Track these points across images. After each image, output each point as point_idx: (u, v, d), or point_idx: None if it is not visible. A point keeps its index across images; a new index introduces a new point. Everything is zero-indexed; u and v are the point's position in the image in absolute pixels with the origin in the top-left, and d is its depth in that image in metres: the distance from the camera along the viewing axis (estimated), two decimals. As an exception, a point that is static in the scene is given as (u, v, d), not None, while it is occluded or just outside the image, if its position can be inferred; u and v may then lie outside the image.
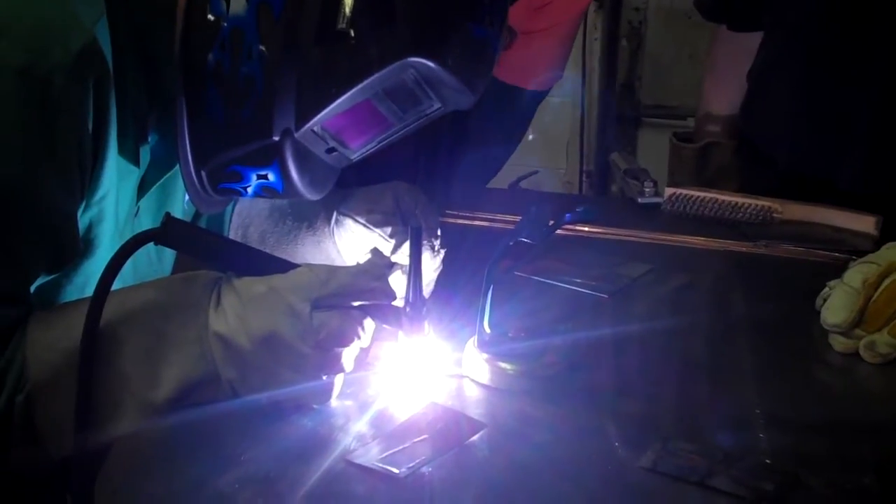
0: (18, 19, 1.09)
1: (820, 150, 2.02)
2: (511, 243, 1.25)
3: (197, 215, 1.48)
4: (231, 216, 1.50)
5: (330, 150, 1.21)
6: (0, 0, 1.10)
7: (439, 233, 1.42)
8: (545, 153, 3.85)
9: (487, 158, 2.07)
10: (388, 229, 1.41)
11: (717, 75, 2.31)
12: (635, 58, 3.99)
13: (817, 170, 2.01)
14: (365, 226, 1.42)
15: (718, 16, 2.25)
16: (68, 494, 1.09)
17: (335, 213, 1.44)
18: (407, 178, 1.48)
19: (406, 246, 1.37)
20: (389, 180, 1.46)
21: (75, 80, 1.10)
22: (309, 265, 1.16)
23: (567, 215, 1.29)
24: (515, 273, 1.41)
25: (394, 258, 1.38)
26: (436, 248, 1.40)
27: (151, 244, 1.13)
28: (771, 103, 2.11)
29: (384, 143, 1.23)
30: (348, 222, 1.43)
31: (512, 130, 2.09)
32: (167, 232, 1.12)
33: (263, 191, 1.21)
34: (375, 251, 1.35)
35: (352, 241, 1.43)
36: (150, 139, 1.27)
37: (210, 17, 1.13)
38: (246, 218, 1.48)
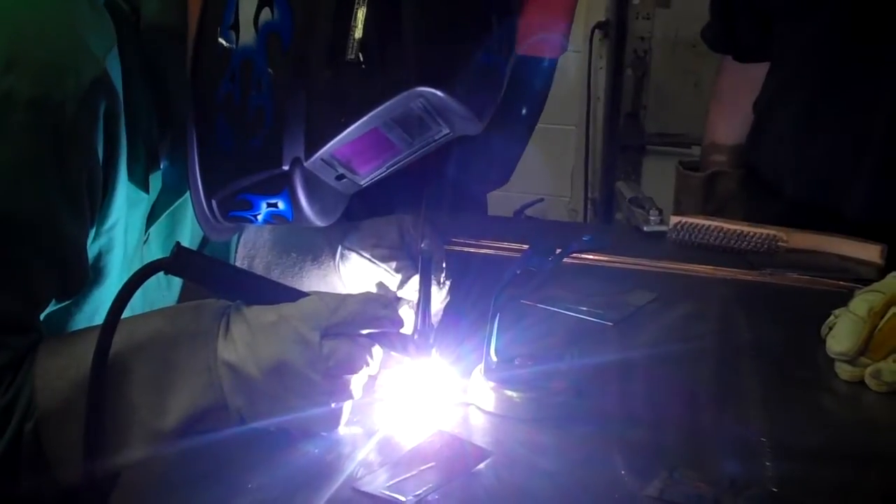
0: (29, 51, 1.09)
1: (826, 180, 2.03)
2: (518, 272, 1.25)
3: (203, 242, 1.49)
4: (237, 246, 1.50)
5: (339, 177, 1.22)
6: (11, 32, 1.10)
7: (444, 265, 1.42)
8: (550, 181, 3.87)
9: (505, 144, 2.05)
10: (394, 264, 1.41)
11: (722, 105, 2.33)
12: (640, 86, 4.02)
13: (823, 199, 2.02)
14: (370, 260, 1.42)
15: (724, 47, 2.26)
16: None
17: (340, 248, 1.44)
18: (411, 205, 1.47)
19: (412, 281, 1.37)
20: (395, 206, 1.47)
21: (86, 111, 1.11)
22: (318, 293, 1.17)
23: (573, 244, 1.30)
24: (521, 301, 1.41)
25: (400, 293, 1.38)
26: (441, 281, 1.41)
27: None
28: (777, 133, 2.12)
29: (394, 167, 1.24)
30: (353, 257, 1.43)
31: (529, 107, 2.07)
32: (178, 262, 1.12)
33: (274, 218, 1.22)
34: (381, 286, 1.36)
35: (357, 276, 1.43)
36: (161, 165, 1.28)
37: (220, 47, 1.15)
38: (251, 249, 1.49)
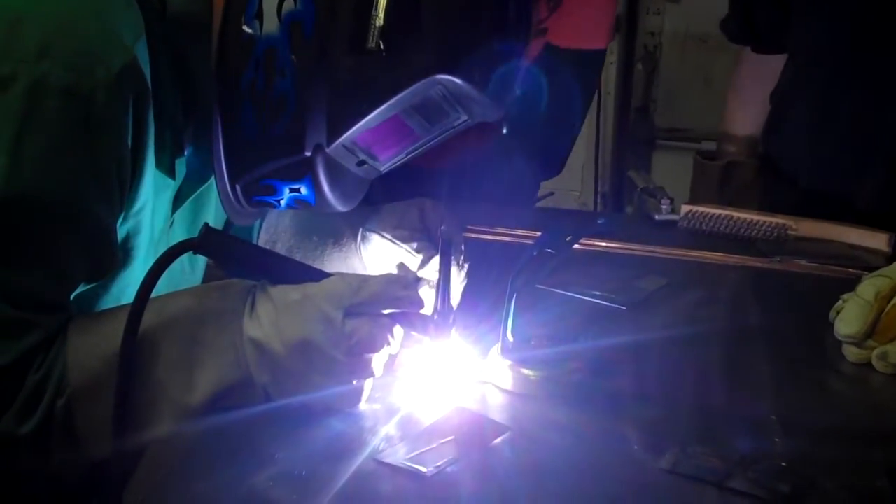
0: (61, 39, 1.12)
1: (840, 170, 2.05)
2: (535, 253, 1.28)
3: (226, 227, 1.52)
4: (259, 231, 1.53)
5: (360, 163, 1.24)
6: (43, 21, 1.14)
7: (463, 248, 1.44)
8: (561, 175, 3.88)
9: (565, 130, 2.07)
10: (415, 244, 1.42)
11: (740, 96, 2.35)
12: (650, 81, 4.03)
13: (838, 189, 2.03)
14: (392, 241, 1.43)
15: (744, 39, 2.29)
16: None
17: (361, 230, 1.47)
18: (432, 191, 1.50)
19: (433, 261, 1.40)
20: (416, 193, 1.50)
21: (116, 98, 1.14)
22: (341, 274, 1.20)
23: (588, 228, 1.32)
24: (536, 285, 1.44)
25: (420, 273, 1.41)
26: (460, 263, 1.43)
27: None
28: (793, 124, 2.14)
29: (413, 153, 1.26)
30: (375, 238, 1.45)
31: (578, 97, 2.10)
32: (206, 242, 1.15)
33: (296, 203, 1.25)
34: (402, 266, 1.39)
35: (378, 257, 1.45)
36: (185, 152, 1.31)
37: (244, 36, 1.18)
38: (273, 233, 1.51)
